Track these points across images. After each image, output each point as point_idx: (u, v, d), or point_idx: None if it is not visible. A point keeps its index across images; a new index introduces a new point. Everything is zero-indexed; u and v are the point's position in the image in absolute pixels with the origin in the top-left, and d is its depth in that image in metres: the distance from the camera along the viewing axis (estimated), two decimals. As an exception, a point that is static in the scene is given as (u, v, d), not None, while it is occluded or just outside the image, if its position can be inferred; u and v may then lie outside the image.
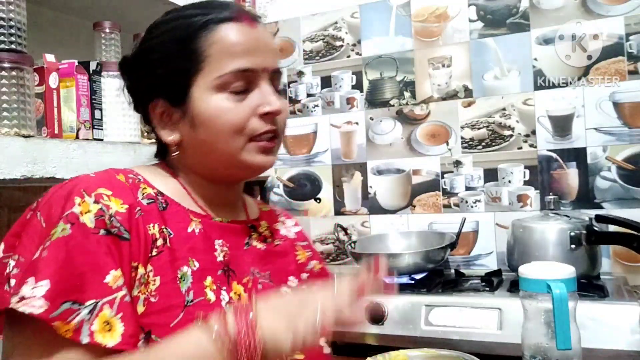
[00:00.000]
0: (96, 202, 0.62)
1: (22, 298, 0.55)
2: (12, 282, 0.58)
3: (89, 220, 0.60)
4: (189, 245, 0.69)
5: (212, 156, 0.72)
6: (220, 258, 0.72)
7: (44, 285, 0.55)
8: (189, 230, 0.70)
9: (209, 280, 0.69)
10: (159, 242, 0.66)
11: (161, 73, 0.72)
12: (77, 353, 0.56)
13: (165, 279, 0.64)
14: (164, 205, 0.70)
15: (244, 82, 0.70)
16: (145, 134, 1.17)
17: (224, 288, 0.70)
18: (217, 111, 0.69)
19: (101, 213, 0.61)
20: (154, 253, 0.65)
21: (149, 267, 0.64)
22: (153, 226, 0.66)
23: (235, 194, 0.81)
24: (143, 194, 0.68)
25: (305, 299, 0.63)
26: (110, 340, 0.57)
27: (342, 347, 1.24)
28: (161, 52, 0.72)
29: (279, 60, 0.77)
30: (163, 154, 0.78)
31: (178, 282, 0.65)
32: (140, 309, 0.62)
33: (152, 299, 0.63)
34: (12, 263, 0.59)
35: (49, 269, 0.56)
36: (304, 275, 0.85)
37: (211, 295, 0.68)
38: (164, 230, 0.67)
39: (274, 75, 0.73)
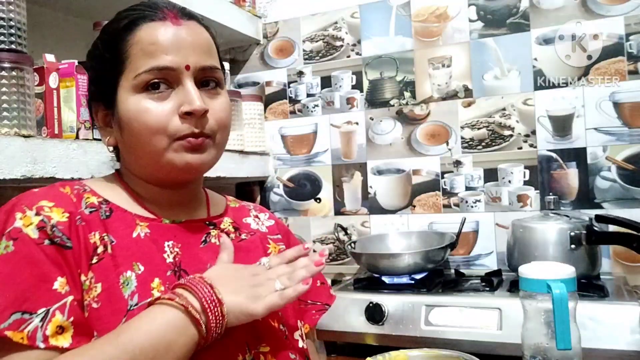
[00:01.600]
0: (37, 214, 0.63)
1: None
2: None
3: (31, 231, 0.62)
4: (132, 250, 0.69)
5: (141, 158, 0.72)
6: (169, 259, 0.71)
7: None
8: (134, 235, 0.70)
9: (156, 282, 0.68)
10: (100, 250, 0.66)
11: (96, 77, 0.74)
12: (36, 354, 0.58)
13: (106, 285, 0.65)
14: (107, 214, 0.70)
15: (163, 81, 0.69)
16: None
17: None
18: (136, 112, 0.69)
19: (42, 224, 0.62)
20: (94, 260, 0.65)
21: (90, 274, 0.65)
22: (94, 234, 0.67)
23: (189, 195, 0.79)
24: (86, 203, 0.69)
25: (245, 267, 0.72)
26: (64, 341, 0.59)
27: (342, 347, 1.24)
28: (95, 56, 0.74)
29: (210, 58, 0.73)
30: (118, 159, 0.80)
31: (120, 287, 0.66)
32: (85, 314, 0.63)
33: (95, 305, 0.64)
34: None
35: None
36: None
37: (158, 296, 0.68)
38: (105, 237, 0.67)
39: (205, 73, 0.72)
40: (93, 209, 0.69)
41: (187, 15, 0.73)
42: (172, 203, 0.77)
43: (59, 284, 0.61)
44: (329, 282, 1.61)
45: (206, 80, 0.73)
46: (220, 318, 0.63)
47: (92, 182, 0.75)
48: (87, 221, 0.67)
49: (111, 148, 0.77)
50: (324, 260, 0.72)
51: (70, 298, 0.61)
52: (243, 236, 0.83)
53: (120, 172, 0.79)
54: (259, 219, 0.89)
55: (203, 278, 0.65)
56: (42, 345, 0.57)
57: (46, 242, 0.62)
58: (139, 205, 0.74)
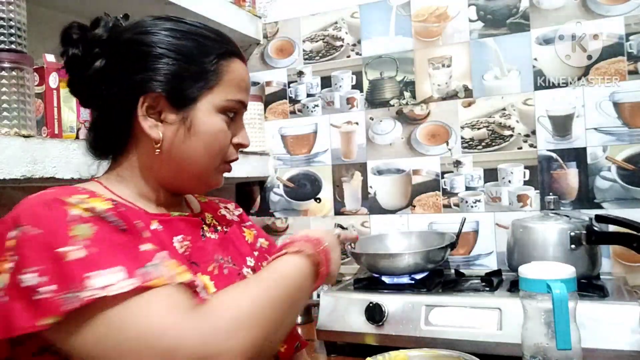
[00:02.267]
0: (83, 202, 0.65)
1: (104, 287, 0.57)
2: (48, 288, 0.57)
3: (92, 213, 0.64)
4: (157, 239, 0.70)
5: (187, 164, 0.78)
6: (181, 251, 0.76)
7: (119, 270, 0.59)
8: (152, 227, 0.74)
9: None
10: (146, 234, 0.68)
11: (170, 72, 0.74)
12: (176, 287, 0.62)
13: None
14: (124, 208, 0.71)
15: (235, 112, 0.80)
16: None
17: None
18: (216, 129, 0.77)
19: (93, 211, 0.64)
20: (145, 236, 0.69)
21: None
22: (136, 221, 0.70)
23: (179, 197, 0.86)
24: (102, 199, 0.70)
25: (333, 236, 0.83)
26: (189, 276, 0.64)
27: (342, 347, 1.24)
28: (176, 54, 0.75)
29: None
30: (102, 153, 0.81)
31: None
32: None
33: None
34: (30, 277, 0.58)
35: (110, 258, 0.60)
36: (256, 253, 0.92)
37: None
38: (138, 223, 0.70)
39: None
40: (111, 204, 0.70)
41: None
42: (168, 203, 0.82)
43: (145, 246, 0.64)
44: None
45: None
46: (328, 261, 0.76)
47: (86, 186, 0.74)
48: (125, 207, 0.71)
49: (158, 140, 0.76)
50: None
51: (166, 252, 0.65)
52: (225, 228, 0.90)
53: (103, 178, 0.79)
54: (229, 209, 0.97)
55: (309, 236, 0.77)
56: (177, 281, 0.62)
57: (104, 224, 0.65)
58: (146, 202, 0.78)
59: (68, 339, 0.59)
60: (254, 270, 0.87)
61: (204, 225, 0.85)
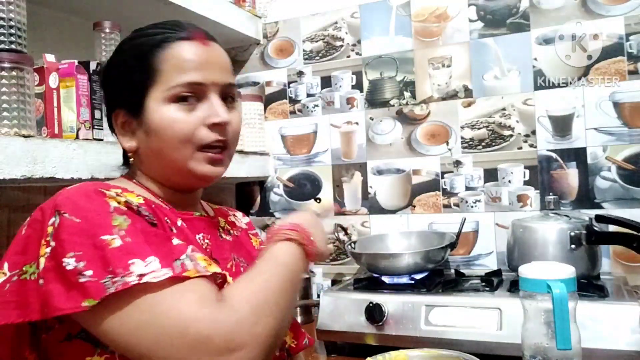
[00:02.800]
0: (119, 195, 0.69)
1: (144, 274, 0.60)
2: (89, 272, 0.60)
3: (128, 206, 0.68)
4: (184, 235, 0.75)
5: (164, 163, 0.79)
6: (204, 248, 0.80)
7: (153, 260, 0.62)
8: (179, 224, 0.77)
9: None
10: (173, 230, 0.73)
11: (122, 86, 0.79)
12: (207, 280, 0.65)
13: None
14: (152, 205, 0.74)
15: (193, 94, 0.76)
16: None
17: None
18: (167, 121, 0.76)
19: (129, 205, 0.68)
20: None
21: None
22: (165, 218, 0.73)
23: (195, 198, 0.88)
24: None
25: (312, 215, 0.84)
26: (217, 268, 0.67)
27: (342, 347, 1.24)
28: (123, 66, 0.80)
29: (230, 76, 0.82)
30: (127, 163, 0.86)
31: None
32: None
33: None
34: (71, 261, 0.61)
35: (145, 248, 0.63)
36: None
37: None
38: (167, 221, 0.74)
39: (226, 89, 0.80)
40: (142, 200, 0.74)
41: (210, 37, 0.81)
42: (184, 204, 0.84)
43: (176, 240, 0.68)
44: (329, 282, 1.62)
45: (226, 95, 0.81)
46: (315, 249, 0.77)
47: (116, 183, 0.78)
48: (154, 204, 0.74)
49: (131, 153, 0.82)
50: None
51: (190, 246, 0.68)
52: (236, 232, 0.93)
53: (132, 175, 0.84)
54: (237, 217, 1.00)
55: (297, 224, 0.77)
56: (208, 273, 0.65)
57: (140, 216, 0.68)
58: (165, 204, 0.80)
59: (103, 323, 0.61)
60: None
61: (219, 228, 0.89)
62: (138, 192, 0.77)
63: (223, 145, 0.79)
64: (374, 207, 1.63)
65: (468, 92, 1.51)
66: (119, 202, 0.67)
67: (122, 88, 0.80)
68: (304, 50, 1.72)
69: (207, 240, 0.82)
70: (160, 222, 0.71)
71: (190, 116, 0.76)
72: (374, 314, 1.17)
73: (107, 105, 0.83)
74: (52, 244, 0.63)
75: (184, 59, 0.76)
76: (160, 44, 0.77)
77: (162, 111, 0.76)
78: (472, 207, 1.50)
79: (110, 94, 0.83)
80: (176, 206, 0.82)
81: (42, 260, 0.62)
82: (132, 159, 0.83)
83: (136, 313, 0.61)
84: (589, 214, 1.26)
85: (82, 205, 0.65)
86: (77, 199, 0.66)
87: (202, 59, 0.77)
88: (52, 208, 0.65)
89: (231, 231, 0.92)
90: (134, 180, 0.82)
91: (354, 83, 1.65)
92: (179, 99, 0.76)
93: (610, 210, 1.36)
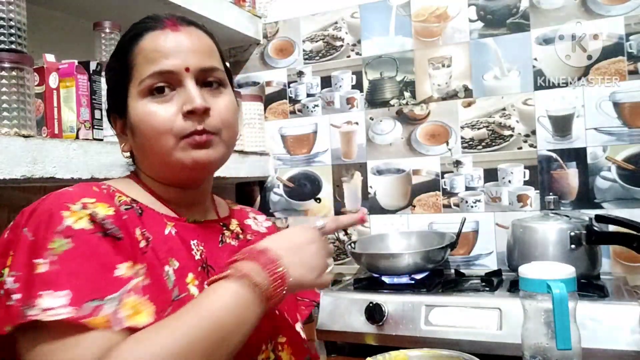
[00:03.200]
0: (84, 208, 0.65)
1: (46, 309, 0.57)
2: (17, 295, 0.59)
3: (85, 224, 0.64)
4: (167, 246, 0.72)
5: (153, 160, 0.76)
6: (197, 257, 0.75)
7: (65, 295, 0.58)
8: (166, 232, 0.73)
9: (190, 277, 0.72)
10: (142, 244, 0.69)
11: (109, 90, 0.80)
12: (113, 335, 0.59)
13: (153, 278, 0.67)
14: (140, 211, 0.73)
15: (167, 84, 0.73)
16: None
17: (206, 283, 0.71)
18: (143, 116, 0.73)
19: (93, 218, 0.65)
20: (142, 253, 0.69)
21: (141, 264, 0.67)
22: (137, 229, 0.70)
23: (202, 195, 0.84)
24: (119, 201, 0.72)
25: (305, 234, 0.73)
26: (143, 320, 0.60)
27: (342, 347, 1.24)
28: (109, 70, 0.80)
29: (210, 59, 0.76)
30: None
31: (165, 278, 0.69)
32: None
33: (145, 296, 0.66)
34: (9, 279, 0.60)
35: (64, 280, 0.59)
36: None
37: (194, 291, 0.71)
38: (144, 233, 0.70)
39: (204, 74, 0.75)
40: (128, 207, 0.72)
41: (186, 22, 0.77)
42: (187, 203, 0.80)
43: (122, 269, 0.63)
44: (329, 282, 1.62)
45: (208, 81, 0.76)
46: (282, 288, 0.65)
47: (115, 183, 0.77)
48: (127, 215, 0.70)
49: (127, 154, 0.82)
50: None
51: (137, 280, 0.63)
52: (248, 237, 0.88)
53: (136, 174, 0.82)
54: (257, 220, 0.95)
55: (267, 249, 0.67)
56: (118, 328, 0.59)
57: (99, 233, 0.64)
58: (163, 205, 0.78)
59: (21, 350, 0.60)
60: None
61: (225, 231, 0.84)
62: (134, 194, 0.75)
63: (205, 133, 0.74)
64: (374, 207, 1.63)
65: (468, 92, 1.51)
66: (78, 218, 0.63)
67: (110, 92, 0.80)
68: (304, 50, 1.72)
69: (201, 247, 0.77)
70: (129, 236, 0.67)
71: (166, 107, 0.72)
72: (374, 314, 1.17)
73: (107, 111, 0.83)
74: (10, 257, 0.62)
75: (152, 49, 0.73)
76: (133, 40, 0.75)
77: (138, 107, 0.73)
78: (472, 207, 1.50)
79: (107, 99, 0.82)
80: (179, 206, 0.79)
81: (5, 271, 0.61)
82: (128, 160, 0.82)
83: (35, 348, 0.58)
84: (589, 214, 1.26)
85: (39, 221, 0.63)
86: (39, 214, 0.64)
87: (171, 45, 0.73)
88: (26, 218, 0.64)
89: (241, 235, 0.86)
90: (139, 179, 0.80)
91: (354, 83, 1.65)
92: (153, 91, 0.73)
93: (610, 210, 1.36)
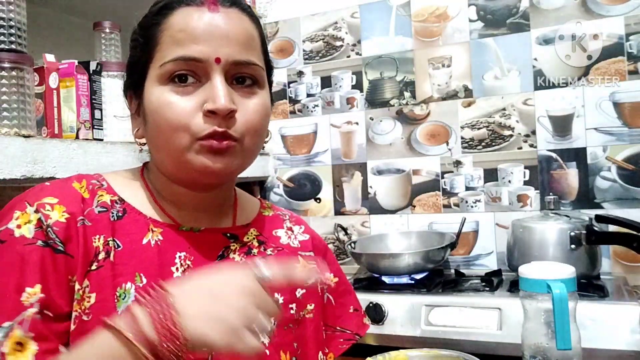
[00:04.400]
0: (37, 211, 0.59)
1: None
2: None
3: (27, 230, 0.58)
4: (138, 258, 0.63)
5: (162, 154, 0.66)
6: (177, 274, 0.65)
7: None
8: (144, 241, 0.64)
9: None
10: (101, 256, 0.61)
11: (129, 64, 0.69)
12: None
13: (100, 296, 0.59)
14: (120, 214, 0.65)
15: (191, 73, 0.62)
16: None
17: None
18: (159, 104, 0.62)
19: (39, 224, 0.58)
20: (93, 267, 0.60)
21: (86, 282, 0.59)
22: (98, 238, 0.61)
23: (215, 198, 0.71)
24: (98, 201, 0.64)
25: (232, 281, 0.54)
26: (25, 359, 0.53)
27: (342, 347, 1.24)
28: (131, 42, 0.68)
29: (248, 52, 0.64)
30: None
31: (115, 300, 0.60)
32: (72, 326, 0.58)
33: (85, 317, 0.58)
34: None
35: None
36: (300, 291, 0.74)
37: None
38: (110, 242, 0.62)
39: (238, 68, 0.64)
40: (104, 209, 0.64)
41: (229, 1, 0.65)
42: (195, 206, 0.70)
43: (28, 293, 0.55)
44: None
45: (242, 76, 0.65)
46: (172, 346, 0.49)
47: (111, 177, 0.69)
48: (93, 222, 0.62)
49: (141, 141, 0.69)
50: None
51: (32, 310, 0.55)
52: (268, 251, 0.75)
53: (147, 166, 0.72)
54: (292, 231, 0.80)
55: (167, 295, 0.51)
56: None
57: (39, 242, 0.58)
58: (157, 207, 0.68)
59: None
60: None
61: (232, 244, 0.71)
62: (126, 192, 0.67)
63: (226, 138, 0.62)
64: (374, 207, 1.63)
65: (468, 92, 1.51)
66: (25, 222, 0.58)
67: (129, 66, 0.68)
68: (304, 50, 1.72)
69: (189, 262, 0.66)
70: (78, 248, 0.59)
71: (186, 100, 0.62)
72: (374, 314, 1.17)
73: (124, 88, 0.71)
74: None
75: (180, 29, 0.62)
76: (162, 11, 0.64)
77: (155, 92, 0.63)
78: (472, 207, 1.50)
79: (126, 76, 0.71)
80: (182, 209, 0.69)
81: None
82: (141, 147, 0.70)
83: None
84: (589, 214, 1.26)
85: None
86: (1, 213, 0.60)
87: (204, 28, 0.62)
88: None
89: (255, 250, 0.73)
90: (143, 176, 0.71)
91: (354, 83, 1.65)
92: (174, 78, 0.62)
93: (610, 210, 1.36)
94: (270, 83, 0.70)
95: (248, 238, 0.73)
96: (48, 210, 0.60)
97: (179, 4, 0.63)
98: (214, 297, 0.52)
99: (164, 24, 0.63)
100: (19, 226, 0.58)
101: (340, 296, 0.81)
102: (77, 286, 0.59)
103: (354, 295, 0.84)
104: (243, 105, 0.64)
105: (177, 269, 0.65)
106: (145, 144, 0.69)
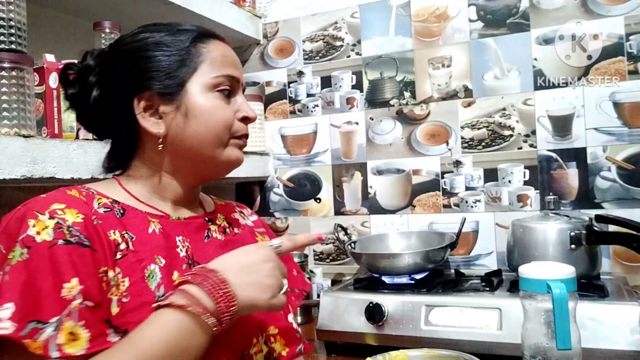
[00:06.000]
0: (51, 217, 0.65)
1: None
2: None
3: (47, 235, 0.63)
4: (152, 244, 0.73)
5: (198, 148, 0.78)
6: (183, 253, 0.77)
7: (9, 308, 0.58)
8: (150, 231, 0.75)
9: (175, 275, 0.73)
10: (122, 246, 0.70)
11: (154, 68, 0.77)
12: None
13: (133, 279, 0.68)
14: (122, 212, 0.74)
15: (230, 88, 0.80)
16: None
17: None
18: (212, 107, 0.78)
19: (59, 226, 0.64)
20: (118, 256, 0.69)
21: (117, 270, 0.68)
22: (114, 232, 0.70)
23: (195, 193, 0.86)
24: (99, 203, 0.73)
25: (258, 253, 0.72)
26: (79, 348, 0.60)
27: (342, 347, 1.24)
28: (154, 50, 0.78)
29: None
30: (115, 164, 0.84)
31: (146, 280, 0.70)
32: (115, 310, 0.66)
33: (124, 299, 0.67)
34: None
35: (12, 292, 0.59)
36: None
37: None
38: (125, 234, 0.71)
39: (243, 88, 0.85)
40: (107, 209, 0.73)
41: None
42: (178, 201, 0.83)
43: (68, 288, 0.62)
44: (329, 282, 1.62)
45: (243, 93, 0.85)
46: (230, 312, 0.65)
47: (95, 186, 0.77)
48: (103, 219, 0.70)
49: (161, 137, 0.78)
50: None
51: (77, 302, 0.62)
52: (236, 230, 0.90)
53: (122, 179, 0.81)
54: (244, 214, 0.98)
55: (214, 271, 0.66)
56: (55, 355, 0.59)
57: (60, 242, 0.63)
58: (145, 205, 0.79)
59: None
60: None
61: (211, 226, 0.85)
62: (116, 195, 0.76)
63: (247, 138, 0.84)
64: (374, 207, 1.63)
65: (468, 92, 1.51)
66: (43, 228, 0.63)
67: (157, 70, 0.77)
68: (304, 50, 1.72)
69: (187, 243, 0.78)
70: (100, 243, 0.67)
71: (229, 107, 0.80)
72: (374, 314, 1.17)
73: (124, 88, 0.78)
74: None
75: (224, 54, 0.81)
76: (201, 38, 0.80)
77: (206, 97, 0.78)
78: (472, 207, 1.50)
79: (133, 75, 0.78)
80: (175, 201, 0.81)
81: None
82: (160, 145, 0.78)
83: None
84: (589, 214, 1.26)
85: (11, 231, 0.64)
86: (11, 225, 0.65)
87: (233, 58, 0.83)
88: (1, 230, 0.66)
89: (228, 229, 0.89)
90: (122, 182, 0.80)
91: (354, 83, 1.65)
92: (219, 89, 0.79)
93: (610, 210, 1.36)
94: None
95: (220, 221, 0.89)
96: (61, 214, 0.66)
97: (212, 36, 0.82)
98: (248, 268, 0.69)
99: (206, 47, 0.80)
100: (38, 232, 0.63)
101: (285, 263, 0.93)
102: (111, 274, 0.67)
103: (294, 260, 1.02)
104: None
105: (180, 250, 0.77)
106: (162, 140, 0.78)
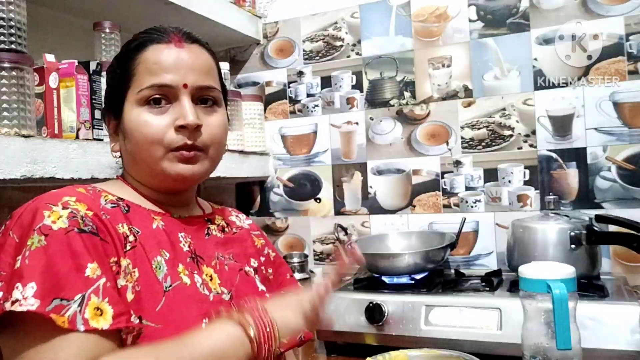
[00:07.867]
0: (65, 208, 0.67)
1: (15, 301, 0.60)
2: (1, 292, 0.62)
3: (62, 223, 0.66)
4: (157, 239, 0.76)
5: (140, 165, 0.79)
6: (186, 248, 0.79)
7: (32, 287, 0.60)
8: (154, 226, 0.77)
9: (180, 267, 0.76)
10: (131, 238, 0.72)
11: (109, 90, 0.83)
12: (77, 337, 0.61)
13: (142, 270, 0.71)
14: (127, 209, 0.76)
15: (164, 97, 0.77)
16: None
17: (196, 272, 0.77)
18: (138, 123, 0.76)
19: (73, 215, 0.67)
20: (128, 248, 0.71)
21: (127, 260, 0.70)
22: (122, 225, 0.73)
23: (185, 199, 0.87)
24: (105, 200, 0.75)
25: (292, 297, 0.76)
26: (104, 322, 0.62)
27: (342, 347, 1.24)
28: (110, 72, 0.83)
29: (208, 78, 0.80)
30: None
31: (154, 271, 0.72)
32: (130, 296, 0.68)
33: (137, 288, 0.69)
34: None
35: (34, 273, 0.61)
36: (262, 259, 0.94)
37: (186, 279, 0.75)
38: (132, 228, 0.74)
39: (201, 92, 0.79)
40: (114, 205, 0.75)
41: (191, 39, 0.81)
42: (173, 204, 0.84)
43: (90, 269, 0.64)
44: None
45: (204, 98, 0.80)
46: (272, 338, 0.69)
47: (101, 185, 0.80)
48: (111, 214, 0.73)
49: (117, 154, 0.84)
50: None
51: (102, 280, 0.64)
52: (234, 230, 0.92)
53: (124, 176, 0.85)
54: (240, 218, 0.99)
55: (258, 306, 0.71)
56: (82, 328, 0.61)
57: (76, 229, 0.66)
58: (149, 202, 0.81)
59: (2, 339, 0.64)
60: (256, 270, 0.90)
61: (210, 225, 0.88)
62: (120, 193, 0.78)
63: (194, 149, 0.78)
64: (374, 207, 1.63)
65: (468, 92, 1.51)
66: (58, 217, 0.66)
67: (108, 93, 0.83)
68: (304, 50, 1.72)
69: (189, 239, 0.81)
70: (110, 235, 0.69)
71: (160, 119, 0.76)
72: (374, 314, 1.17)
73: (102, 110, 0.86)
74: None
75: (154, 62, 0.77)
76: (137, 48, 0.78)
77: (134, 114, 0.77)
78: (472, 207, 1.50)
79: (104, 99, 0.86)
80: (164, 205, 0.82)
81: None
82: (118, 159, 0.85)
83: (13, 340, 0.62)
84: (589, 214, 1.26)
85: (23, 223, 0.66)
86: (24, 217, 0.67)
87: (173, 61, 0.77)
88: (7, 224, 0.68)
89: (226, 229, 0.90)
90: (127, 181, 0.83)
91: (354, 83, 1.66)
92: (150, 101, 0.76)
93: (610, 210, 1.36)
94: (225, 102, 0.86)
95: (218, 221, 0.90)
96: (74, 205, 0.69)
97: (151, 42, 0.78)
98: (288, 302, 0.74)
99: (139, 58, 0.77)
100: (53, 222, 0.65)
101: (279, 267, 0.98)
102: (123, 262, 0.69)
103: (287, 265, 1.02)
104: (207, 121, 0.79)
105: (183, 245, 0.79)
106: (120, 157, 0.83)
